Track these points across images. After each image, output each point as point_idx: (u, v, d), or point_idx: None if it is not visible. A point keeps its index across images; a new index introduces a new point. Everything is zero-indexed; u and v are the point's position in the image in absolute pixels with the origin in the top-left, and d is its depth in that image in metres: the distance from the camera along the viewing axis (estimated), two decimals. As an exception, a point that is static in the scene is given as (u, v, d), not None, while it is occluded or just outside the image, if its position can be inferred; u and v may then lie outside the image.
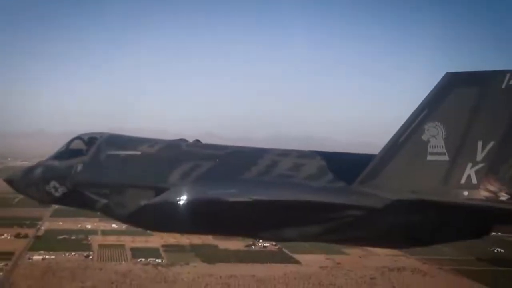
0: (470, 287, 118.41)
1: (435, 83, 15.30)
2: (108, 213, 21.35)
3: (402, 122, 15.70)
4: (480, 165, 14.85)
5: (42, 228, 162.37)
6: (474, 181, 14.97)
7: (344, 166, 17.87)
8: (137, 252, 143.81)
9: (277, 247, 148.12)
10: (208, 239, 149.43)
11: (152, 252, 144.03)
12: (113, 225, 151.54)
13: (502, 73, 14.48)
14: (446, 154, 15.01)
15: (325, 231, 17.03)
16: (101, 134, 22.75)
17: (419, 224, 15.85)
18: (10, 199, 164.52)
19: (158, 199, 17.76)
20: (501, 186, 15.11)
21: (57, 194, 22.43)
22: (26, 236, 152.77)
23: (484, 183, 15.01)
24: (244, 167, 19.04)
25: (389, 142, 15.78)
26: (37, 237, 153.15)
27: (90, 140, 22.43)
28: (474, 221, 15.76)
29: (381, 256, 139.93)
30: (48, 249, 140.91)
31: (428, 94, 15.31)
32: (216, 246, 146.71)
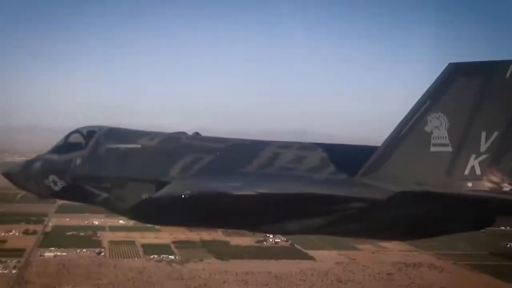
0: (487, 282, 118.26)
1: (434, 76, 15.10)
2: (109, 207, 21.10)
3: (401, 117, 15.48)
4: (484, 156, 14.61)
5: (50, 224, 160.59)
6: (478, 172, 14.73)
7: (346, 158, 17.66)
8: (148, 249, 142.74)
9: (288, 243, 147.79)
10: (219, 235, 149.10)
11: (164, 249, 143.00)
12: (121, 221, 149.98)
13: (506, 63, 14.17)
14: (450, 145, 14.79)
15: (328, 223, 16.84)
16: (100, 127, 22.49)
17: (422, 215, 15.63)
18: (12, 195, 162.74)
19: (161, 192, 17.39)
20: (504, 177, 14.89)
21: (56, 188, 22.19)
22: (34, 232, 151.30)
23: (487, 174, 14.77)
24: (246, 159, 18.83)
25: (391, 133, 15.55)
26: (46, 234, 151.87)
27: (89, 133, 22.16)
28: (477, 212, 15.56)
29: (394, 252, 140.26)
30: (59, 245, 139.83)
31: (431, 85, 15.07)
32: (227, 243, 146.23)
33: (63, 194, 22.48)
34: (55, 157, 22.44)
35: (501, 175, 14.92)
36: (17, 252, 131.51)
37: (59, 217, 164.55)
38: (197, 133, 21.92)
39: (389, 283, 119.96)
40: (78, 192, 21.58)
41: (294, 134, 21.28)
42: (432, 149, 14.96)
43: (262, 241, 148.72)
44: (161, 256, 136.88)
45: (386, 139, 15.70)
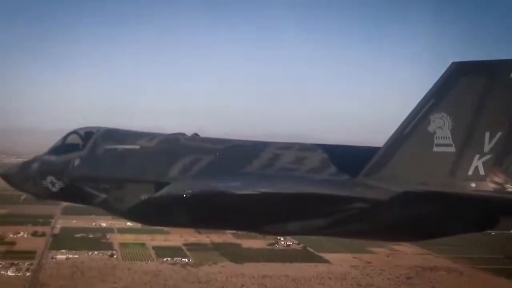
0: (508, 287, 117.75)
1: (434, 78, 15.03)
2: (107, 208, 21.08)
3: (400, 120, 15.46)
4: (488, 156, 14.53)
5: (58, 226, 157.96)
6: (482, 172, 14.67)
7: (347, 158, 17.66)
8: (160, 251, 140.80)
9: (300, 246, 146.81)
10: (229, 238, 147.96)
11: (176, 251, 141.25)
12: (128, 223, 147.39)
13: (510, 62, 14.10)
14: (453, 145, 14.72)
15: (330, 224, 16.76)
16: (98, 128, 22.47)
17: (425, 216, 15.57)
18: (16, 196, 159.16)
19: (161, 192, 17.36)
20: (507, 177, 14.83)
21: (54, 189, 22.11)
22: (43, 234, 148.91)
23: (490, 175, 14.73)
24: (246, 160, 18.78)
25: (394, 133, 15.48)
26: (54, 236, 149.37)
27: (87, 134, 22.19)
28: (481, 213, 15.45)
29: (409, 255, 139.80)
30: (69, 247, 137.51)
31: (434, 85, 14.94)
32: (239, 245, 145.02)
33: (61, 195, 22.40)
34: (53, 158, 22.36)
35: (504, 176, 14.81)
36: (28, 254, 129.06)
37: (65, 219, 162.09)
38: (196, 134, 21.83)
39: (411, 287, 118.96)
40: (76, 193, 21.50)
41: (294, 137, 21.00)
42: (435, 149, 14.87)
43: (273, 244, 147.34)
44: (175, 259, 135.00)
45: (389, 139, 15.61)
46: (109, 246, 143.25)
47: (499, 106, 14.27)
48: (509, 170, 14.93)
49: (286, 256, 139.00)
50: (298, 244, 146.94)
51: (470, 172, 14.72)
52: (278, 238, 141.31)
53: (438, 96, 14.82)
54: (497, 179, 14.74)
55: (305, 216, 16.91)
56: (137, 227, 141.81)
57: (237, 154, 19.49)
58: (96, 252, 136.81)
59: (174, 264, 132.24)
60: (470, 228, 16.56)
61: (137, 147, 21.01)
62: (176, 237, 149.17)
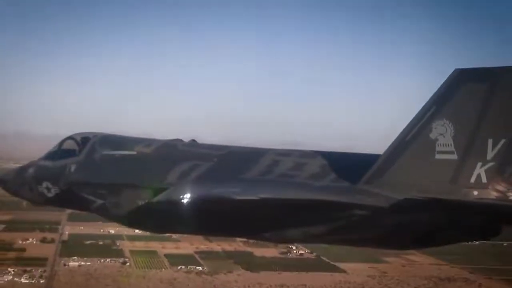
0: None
1: (436, 85, 14.91)
2: (104, 213, 20.90)
3: (401, 127, 15.29)
4: (490, 164, 14.39)
5: (66, 232, 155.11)
6: (484, 180, 14.53)
7: (347, 166, 17.57)
8: (172, 259, 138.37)
9: (314, 255, 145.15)
10: (240, 246, 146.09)
11: (189, 259, 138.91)
12: (136, 230, 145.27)
13: None
14: (455, 152, 14.58)
15: (330, 231, 16.60)
16: (94, 134, 22.43)
17: (427, 224, 15.52)
18: (18, 202, 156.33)
19: (160, 197, 17.23)
20: (510, 185, 14.69)
21: (49, 195, 22.02)
22: (52, 241, 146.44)
23: (493, 183, 14.62)
24: (245, 166, 18.67)
25: (395, 140, 15.34)
26: (64, 242, 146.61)
27: (83, 140, 22.10)
28: (482, 221, 15.35)
29: (424, 265, 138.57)
30: (80, 254, 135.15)
31: (436, 91, 14.78)
32: (251, 253, 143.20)
33: (57, 201, 22.16)
34: (49, 163, 22.23)
35: (507, 184, 14.63)
36: (39, 261, 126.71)
37: (72, 225, 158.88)
38: (193, 140, 21.69)
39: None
40: (72, 198, 21.28)
41: (293, 145, 20.96)
42: (437, 156, 14.72)
43: (286, 253, 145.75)
44: (189, 267, 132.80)
45: (390, 146, 15.43)
46: (120, 254, 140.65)
47: (502, 113, 14.10)
48: (510, 177, 14.74)
49: (301, 265, 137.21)
50: (311, 253, 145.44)
51: (472, 180, 14.56)
52: (290, 246, 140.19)
53: (441, 103, 14.61)
54: (499, 187, 14.56)
55: (305, 223, 16.72)
56: (146, 234, 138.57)
57: (235, 160, 19.34)
58: (108, 260, 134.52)
59: (189, 272, 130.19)
60: (472, 236, 16.62)
61: (134, 153, 20.87)
62: (187, 244, 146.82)
